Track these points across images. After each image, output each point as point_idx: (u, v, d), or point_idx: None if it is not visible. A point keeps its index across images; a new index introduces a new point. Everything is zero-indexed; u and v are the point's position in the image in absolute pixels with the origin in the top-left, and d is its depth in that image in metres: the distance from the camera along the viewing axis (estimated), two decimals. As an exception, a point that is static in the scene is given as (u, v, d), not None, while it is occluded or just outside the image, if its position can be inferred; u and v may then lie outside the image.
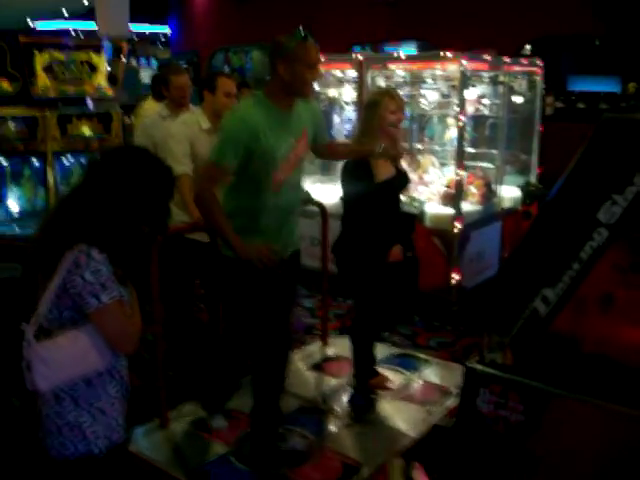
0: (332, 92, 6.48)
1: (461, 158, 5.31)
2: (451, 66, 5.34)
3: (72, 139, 4.80)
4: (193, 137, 3.74)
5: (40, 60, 4.72)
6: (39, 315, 1.86)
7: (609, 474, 2.28)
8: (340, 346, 4.43)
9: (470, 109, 5.63)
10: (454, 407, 3.50)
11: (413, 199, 5.44)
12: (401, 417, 3.60)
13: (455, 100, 5.46)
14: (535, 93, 6.65)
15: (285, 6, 11.44)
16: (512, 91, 6.27)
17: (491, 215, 5.90)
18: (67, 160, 4.88)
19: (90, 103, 5.22)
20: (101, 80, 5.10)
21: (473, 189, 5.76)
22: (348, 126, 6.47)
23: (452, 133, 5.86)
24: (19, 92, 4.77)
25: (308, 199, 3.83)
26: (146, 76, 12.45)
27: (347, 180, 3.57)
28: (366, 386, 3.81)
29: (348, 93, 6.34)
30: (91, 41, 5.27)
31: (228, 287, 3.07)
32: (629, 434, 2.24)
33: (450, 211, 5.29)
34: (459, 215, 5.26)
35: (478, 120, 6.13)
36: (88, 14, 9.13)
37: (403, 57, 5.75)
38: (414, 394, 3.85)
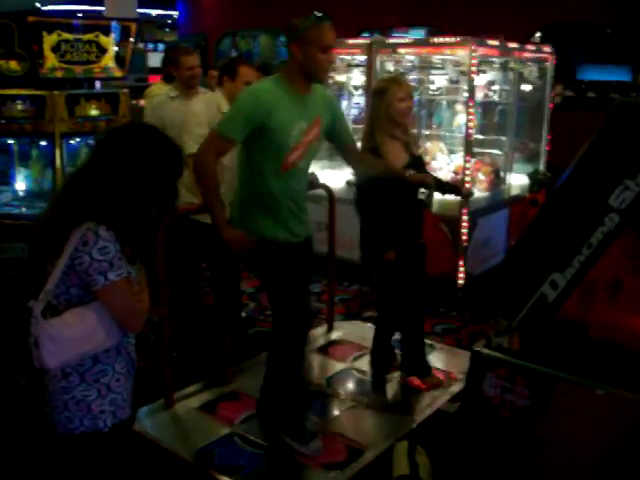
0: (340, 77, 6.44)
1: (469, 145, 5.28)
2: (460, 51, 5.30)
3: (80, 120, 4.78)
4: (212, 118, 3.72)
5: (48, 40, 4.68)
6: (47, 292, 1.86)
7: (614, 459, 2.28)
8: (345, 331, 4.43)
9: (479, 95, 5.59)
10: (459, 392, 3.51)
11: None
12: (406, 402, 3.62)
13: (464, 86, 5.42)
14: (545, 80, 6.60)
15: (294, -10, 11.35)
16: (522, 78, 6.21)
17: (499, 202, 5.88)
18: (75, 141, 4.87)
19: (98, 84, 5.22)
20: (109, 61, 5.08)
21: (481, 176, 5.73)
22: (355, 111, 6.43)
23: (460, 119, 5.82)
24: (27, 72, 4.74)
25: (315, 182, 3.80)
26: (154, 60, 12.39)
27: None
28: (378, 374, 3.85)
29: (357, 78, 6.30)
30: (99, 22, 5.24)
31: (256, 265, 3.13)
32: (635, 420, 2.24)
33: (457, 198, 5.25)
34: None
35: (487, 106, 6.09)
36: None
37: (412, 41, 5.70)
38: (419, 379, 3.84)
